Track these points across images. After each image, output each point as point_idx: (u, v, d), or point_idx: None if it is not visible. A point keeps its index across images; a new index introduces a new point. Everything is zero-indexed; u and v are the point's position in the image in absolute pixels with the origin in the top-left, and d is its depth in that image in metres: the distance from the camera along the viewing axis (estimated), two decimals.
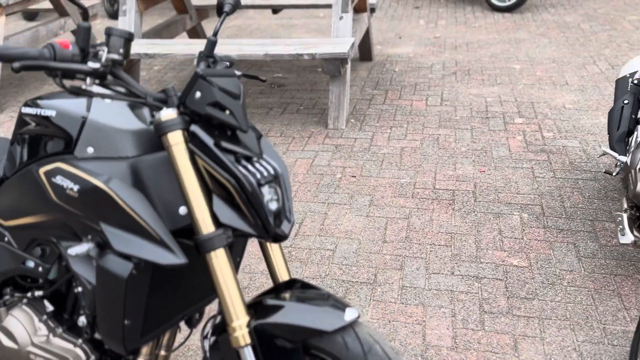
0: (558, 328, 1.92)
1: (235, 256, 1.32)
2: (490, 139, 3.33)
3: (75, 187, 1.05)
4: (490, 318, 1.96)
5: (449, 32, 5.58)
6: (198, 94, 1.00)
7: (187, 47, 3.49)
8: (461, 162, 3.07)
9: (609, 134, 2.47)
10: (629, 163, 2.07)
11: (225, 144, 1.00)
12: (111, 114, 1.08)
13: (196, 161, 1.02)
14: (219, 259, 1.00)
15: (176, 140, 1.01)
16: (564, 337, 1.87)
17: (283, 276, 1.18)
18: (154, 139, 1.09)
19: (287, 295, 1.04)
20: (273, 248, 1.18)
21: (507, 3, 6.08)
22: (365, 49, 4.73)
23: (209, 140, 0.99)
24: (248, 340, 1.01)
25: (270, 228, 1.01)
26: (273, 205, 1.02)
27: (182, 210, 1.05)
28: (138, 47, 3.49)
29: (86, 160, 1.07)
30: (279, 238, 1.03)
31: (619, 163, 2.29)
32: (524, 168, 2.98)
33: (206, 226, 1.00)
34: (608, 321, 1.94)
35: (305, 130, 3.55)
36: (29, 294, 1.27)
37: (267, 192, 1.01)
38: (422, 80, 4.32)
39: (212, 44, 1.22)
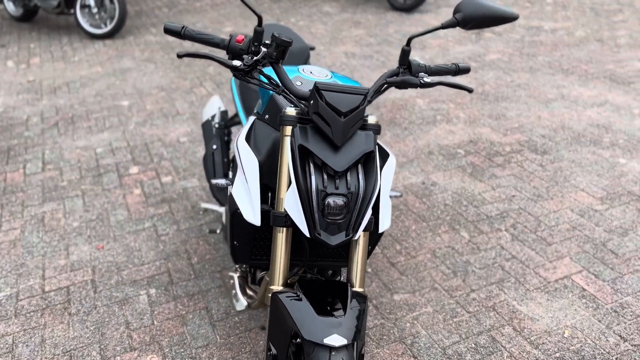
0: None
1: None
2: (105, 201, 2.96)
3: None
4: None
5: (46, 72, 4.91)
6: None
7: None
8: (75, 242, 2.63)
9: (208, 182, 2.40)
10: (224, 222, 2.00)
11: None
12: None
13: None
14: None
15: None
16: None
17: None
18: None
19: None
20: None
21: (104, 30, 5.72)
22: None
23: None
24: None
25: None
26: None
27: None
28: None
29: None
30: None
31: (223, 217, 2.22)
32: (146, 229, 2.72)
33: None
34: None
35: None
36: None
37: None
38: (17, 142, 3.63)
39: None
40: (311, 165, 1.32)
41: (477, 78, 4.59)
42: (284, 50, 1.40)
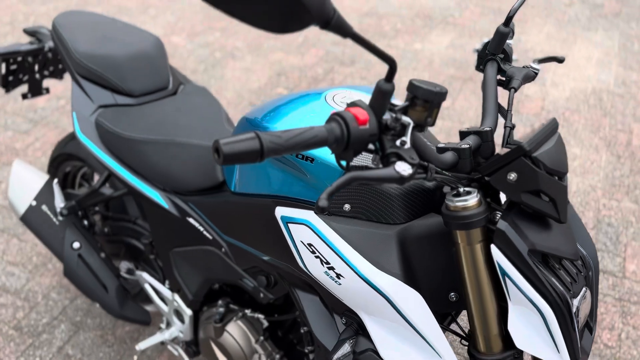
0: None
1: None
2: None
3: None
4: None
5: None
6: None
7: None
8: None
9: (101, 305, 1.44)
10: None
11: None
12: None
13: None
14: None
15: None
16: None
17: None
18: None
19: None
20: None
21: None
22: None
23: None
24: None
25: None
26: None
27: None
28: None
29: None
30: None
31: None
32: None
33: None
34: None
35: None
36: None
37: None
38: None
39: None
40: (538, 268, 0.83)
41: None
42: (438, 106, 0.79)
